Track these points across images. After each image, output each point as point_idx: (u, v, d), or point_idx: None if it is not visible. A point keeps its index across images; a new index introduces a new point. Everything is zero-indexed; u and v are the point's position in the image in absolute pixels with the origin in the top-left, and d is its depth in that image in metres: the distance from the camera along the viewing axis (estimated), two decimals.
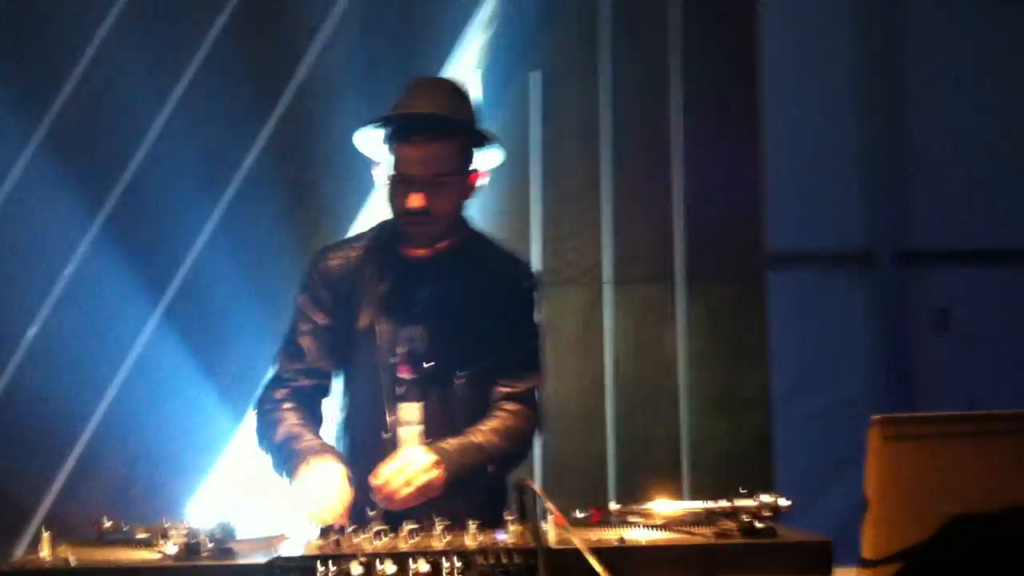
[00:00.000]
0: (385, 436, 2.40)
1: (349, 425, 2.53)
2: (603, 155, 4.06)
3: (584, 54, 4.08)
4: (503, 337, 2.47)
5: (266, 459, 2.44)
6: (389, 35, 3.87)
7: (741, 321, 4.04)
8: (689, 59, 4.11)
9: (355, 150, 2.55)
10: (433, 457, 2.27)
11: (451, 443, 2.34)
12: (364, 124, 2.46)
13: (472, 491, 2.33)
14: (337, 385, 2.56)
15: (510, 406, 2.46)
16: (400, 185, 2.40)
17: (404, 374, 2.44)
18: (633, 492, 3.80)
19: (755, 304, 4.06)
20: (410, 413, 2.43)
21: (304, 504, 2.19)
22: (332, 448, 2.39)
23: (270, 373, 2.54)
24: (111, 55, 3.89)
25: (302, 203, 3.89)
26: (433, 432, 2.40)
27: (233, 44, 3.92)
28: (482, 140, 2.48)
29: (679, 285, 4.05)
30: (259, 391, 2.55)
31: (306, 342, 2.47)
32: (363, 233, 2.61)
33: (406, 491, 2.21)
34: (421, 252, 2.47)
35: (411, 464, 2.24)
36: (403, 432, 2.42)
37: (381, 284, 2.47)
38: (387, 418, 2.41)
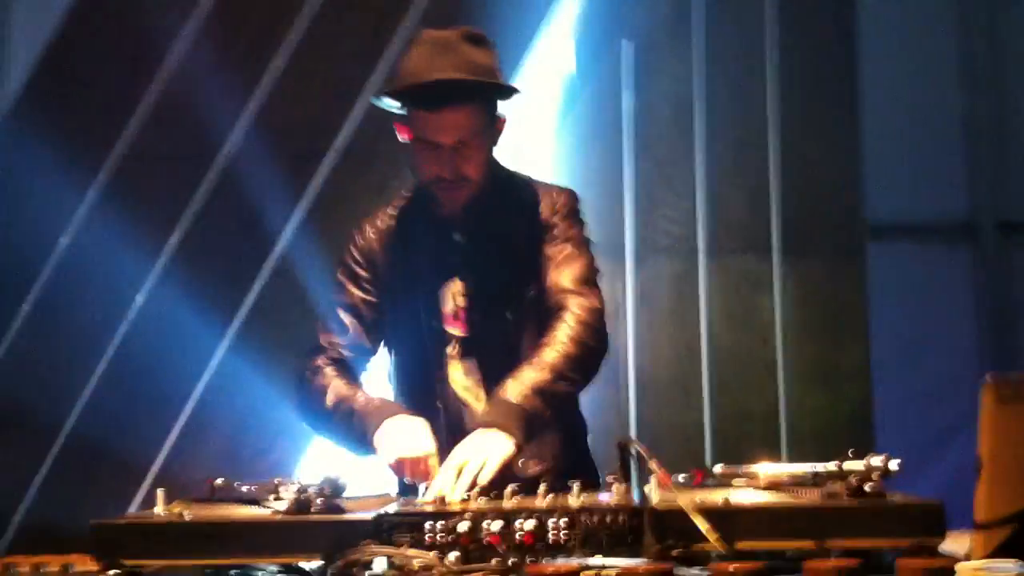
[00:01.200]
0: (439, 406, 2.31)
1: (398, 400, 2.39)
2: (697, 124, 4.02)
3: (677, 22, 4.04)
4: (549, 262, 2.31)
5: (315, 425, 2.37)
6: (481, 6, 3.87)
7: (840, 293, 3.99)
8: (784, 25, 4.05)
9: None
10: (481, 461, 2.00)
11: (512, 393, 2.11)
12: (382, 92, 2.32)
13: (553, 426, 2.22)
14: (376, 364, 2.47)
15: (575, 304, 2.25)
16: (425, 152, 2.26)
17: (453, 330, 2.33)
18: (730, 462, 3.80)
19: (854, 276, 4.00)
20: (464, 374, 2.32)
21: (393, 454, 2.11)
22: (398, 403, 2.30)
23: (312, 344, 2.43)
24: (183, 75, 3.90)
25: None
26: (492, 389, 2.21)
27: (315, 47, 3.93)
28: (509, 89, 2.33)
29: (775, 256, 4.00)
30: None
31: (347, 318, 2.39)
32: (398, 198, 2.47)
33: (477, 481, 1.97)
34: (456, 209, 2.34)
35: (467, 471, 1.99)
36: (460, 394, 2.32)
37: (419, 245, 2.36)
38: (437, 385, 2.32)
